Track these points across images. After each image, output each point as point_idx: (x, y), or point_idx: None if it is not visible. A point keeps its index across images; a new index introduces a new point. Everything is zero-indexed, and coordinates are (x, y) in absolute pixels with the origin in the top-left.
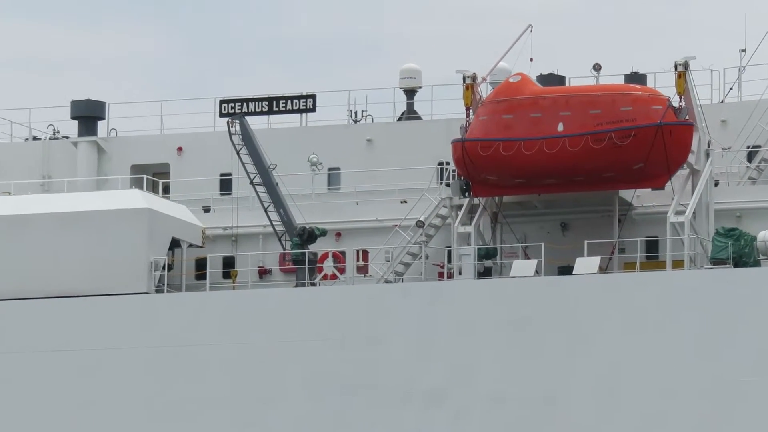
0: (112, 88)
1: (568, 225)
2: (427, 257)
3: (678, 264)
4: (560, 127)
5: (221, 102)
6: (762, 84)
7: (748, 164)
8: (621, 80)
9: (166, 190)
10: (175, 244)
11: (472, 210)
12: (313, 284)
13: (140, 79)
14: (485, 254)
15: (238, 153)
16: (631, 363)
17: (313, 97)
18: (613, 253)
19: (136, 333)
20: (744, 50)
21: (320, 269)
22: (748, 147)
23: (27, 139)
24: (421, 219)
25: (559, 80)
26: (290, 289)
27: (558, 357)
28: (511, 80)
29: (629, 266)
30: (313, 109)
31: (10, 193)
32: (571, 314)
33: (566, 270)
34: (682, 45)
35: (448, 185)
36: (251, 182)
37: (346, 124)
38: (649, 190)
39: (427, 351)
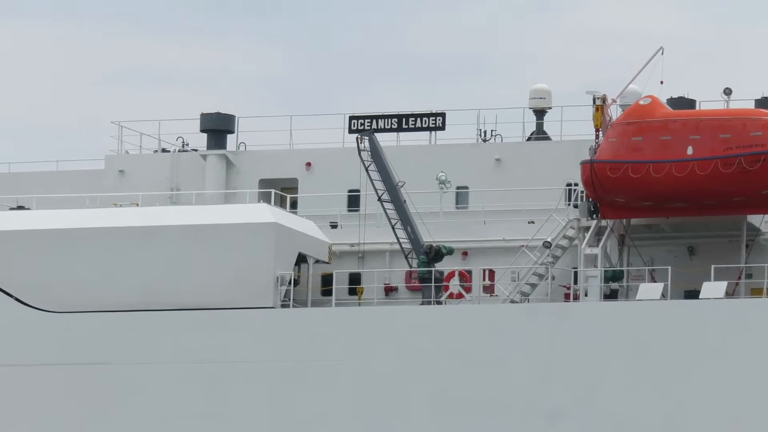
0: (241, 102)
1: (695, 249)
2: (553, 278)
3: None
4: (689, 151)
5: (351, 118)
6: None
7: None
8: (751, 105)
9: (294, 205)
10: (301, 259)
11: (599, 232)
12: (439, 303)
13: (269, 94)
14: (612, 276)
15: (366, 169)
16: (756, 389)
17: (443, 115)
18: (740, 278)
19: (261, 347)
20: None
21: (446, 288)
22: None
23: (156, 151)
24: (548, 240)
25: (689, 104)
26: (416, 307)
27: (682, 381)
28: (641, 102)
29: (756, 292)
30: (442, 127)
31: (138, 205)
32: (696, 338)
33: (693, 294)
34: None
35: (576, 206)
36: (379, 199)
37: (475, 143)
38: None
39: (550, 372)
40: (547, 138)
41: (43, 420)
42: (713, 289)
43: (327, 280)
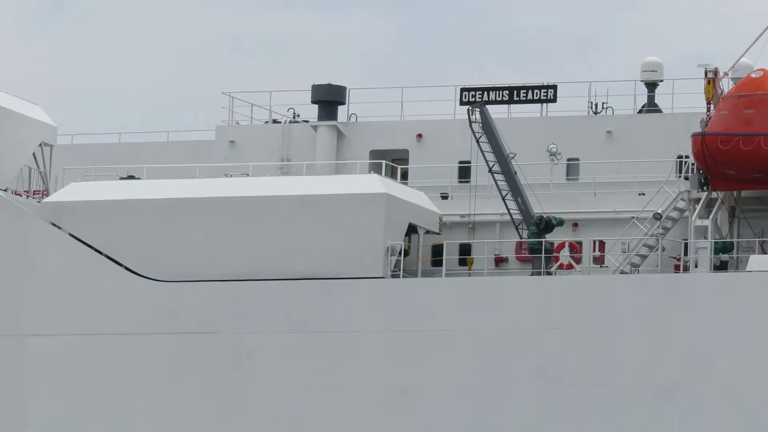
0: (353, 74)
1: None
2: (663, 249)
3: None
4: None
5: (462, 90)
6: None
7: None
8: None
9: (405, 176)
10: (411, 229)
11: (709, 204)
12: (549, 273)
13: (380, 66)
14: (722, 248)
15: (477, 141)
16: None
17: (554, 87)
18: None
19: (370, 317)
20: None
21: (556, 259)
22: None
23: (267, 122)
24: (659, 211)
25: None
26: (526, 278)
27: None
28: (753, 75)
29: None
30: (553, 100)
31: (248, 175)
32: None
33: None
34: None
35: (686, 178)
36: (490, 170)
37: (586, 116)
38: None
39: (661, 343)
40: (658, 111)
41: (154, 389)
42: None
43: (437, 251)
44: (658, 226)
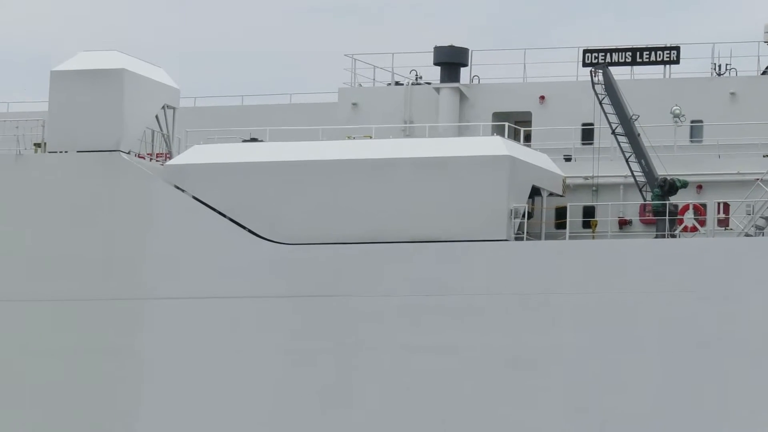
0: (474, 35)
1: None
2: None
3: None
4: None
5: (584, 51)
6: None
7: None
8: None
9: (528, 138)
10: (535, 192)
11: None
12: (673, 236)
13: (502, 26)
14: None
15: (600, 103)
16: None
17: (677, 48)
18: None
19: (494, 280)
20: None
21: (680, 221)
22: None
23: (390, 84)
24: None
25: None
26: (650, 240)
27: None
28: None
29: None
30: (676, 61)
31: (371, 137)
32: None
33: None
34: None
35: None
36: (613, 132)
37: (710, 77)
38: None
39: None
40: None
41: (274, 352)
42: None
43: (561, 213)
44: None
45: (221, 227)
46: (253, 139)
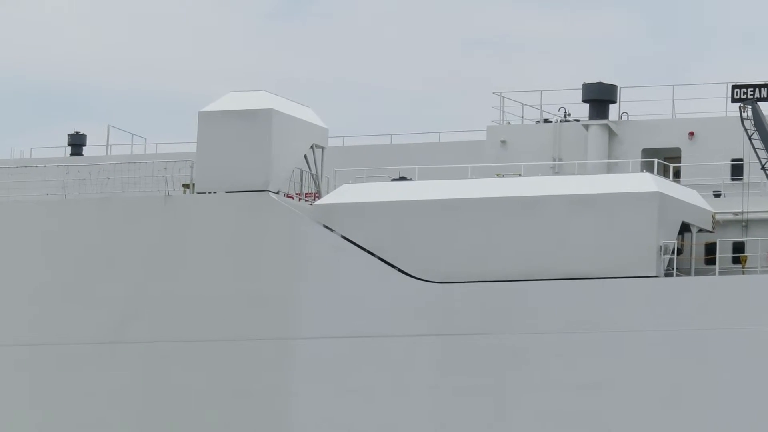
0: (622, 71)
1: None
2: None
3: None
4: None
5: (733, 87)
6: None
7: None
8: None
9: (677, 174)
10: (684, 228)
11: None
12: None
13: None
14: None
15: (749, 138)
16: None
17: None
18: None
19: (644, 316)
20: None
21: None
22: None
23: (538, 121)
24: None
25: None
26: None
27: None
28: None
29: None
30: None
31: (520, 175)
32: None
33: None
34: None
35: None
36: (762, 167)
37: None
38: None
39: None
40: None
41: (425, 391)
42: None
43: (710, 249)
44: None
45: (370, 266)
46: (402, 178)
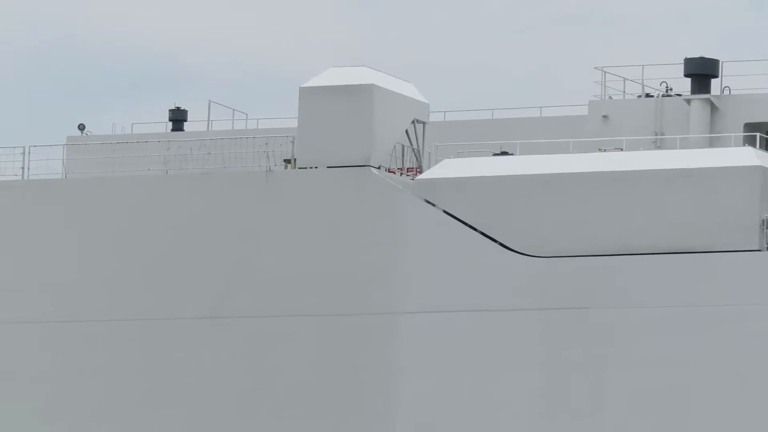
0: (724, 45)
1: None
2: None
3: None
4: None
5: None
6: None
7: None
8: None
9: None
10: None
11: None
12: None
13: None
14: None
15: None
16: None
17: None
18: None
19: (745, 291)
20: None
21: None
22: None
23: (640, 96)
24: None
25: None
26: None
27: None
28: None
29: None
30: None
31: (622, 149)
32: None
33: None
34: None
35: None
36: None
37: None
38: None
39: None
40: None
41: (527, 365)
42: None
43: None
44: None
45: (472, 241)
46: (503, 153)
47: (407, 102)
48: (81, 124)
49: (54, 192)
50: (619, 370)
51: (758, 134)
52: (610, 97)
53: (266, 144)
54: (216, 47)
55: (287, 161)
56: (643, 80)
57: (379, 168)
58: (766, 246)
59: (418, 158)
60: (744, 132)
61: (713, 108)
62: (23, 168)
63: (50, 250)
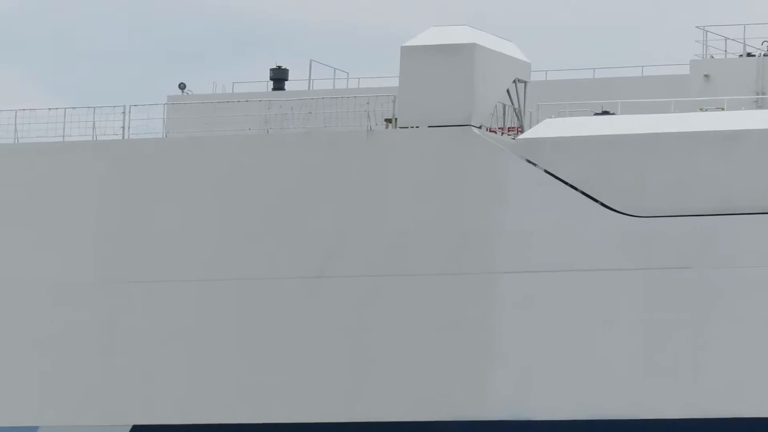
0: None
1: None
2: None
3: None
4: None
5: None
6: None
7: None
8: None
9: None
10: None
11: None
12: None
13: None
14: None
15: None
16: None
17: None
18: None
19: None
20: None
21: None
22: None
23: (741, 55)
24: None
25: None
26: None
27: None
28: None
29: None
30: None
31: (723, 109)
32: None
33: None
34: None
35: None
36: None
37: None
38: None
39: None
40: None
41: (628, 324)
42: None
43: None
44: None
45: (574, 201)
46: (605, 112)
47: (508, 61)
48: (182, 83)
49: (155, 151)
50: (721, 331)
51: None
52: (712, 57)
53: (367, 103)
54: (318, 6)
55: (388, 120)
56: (744, 39)
57: (480, 128)
58: None
59: (520, 118)
60: None
61: None
62: (123, 127)
63: (151, 210)
